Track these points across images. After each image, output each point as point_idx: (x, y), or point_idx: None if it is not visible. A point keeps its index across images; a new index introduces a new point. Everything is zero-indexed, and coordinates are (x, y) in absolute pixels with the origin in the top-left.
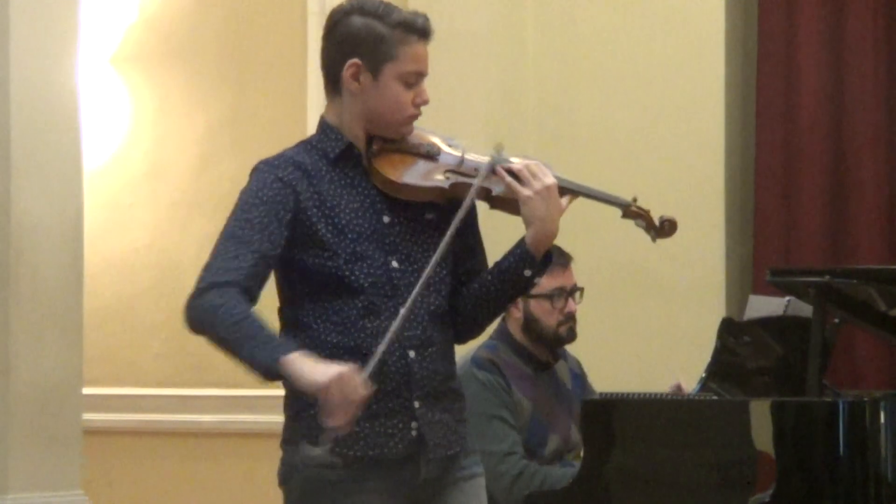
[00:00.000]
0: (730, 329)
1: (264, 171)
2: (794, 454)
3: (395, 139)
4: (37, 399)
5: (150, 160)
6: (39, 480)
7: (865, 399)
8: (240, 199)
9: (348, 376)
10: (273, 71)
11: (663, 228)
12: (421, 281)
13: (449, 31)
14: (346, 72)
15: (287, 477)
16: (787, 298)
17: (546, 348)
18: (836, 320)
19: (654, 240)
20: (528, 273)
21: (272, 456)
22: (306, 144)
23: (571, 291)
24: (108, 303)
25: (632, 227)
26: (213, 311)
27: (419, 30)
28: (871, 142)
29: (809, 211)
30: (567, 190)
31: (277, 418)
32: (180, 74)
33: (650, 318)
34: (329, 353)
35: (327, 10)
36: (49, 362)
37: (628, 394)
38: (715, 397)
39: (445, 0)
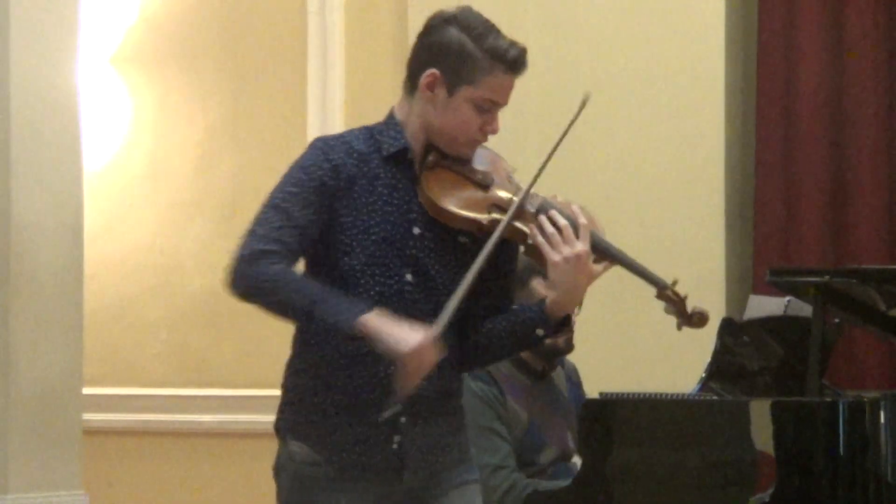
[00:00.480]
0: (730, 329)
1: (319, 150)
2: (794, 454)
3: (452, 157)
4: (37, 399)
5: (151, 160)
6: (39, 480)
7: (865, 399)
8: (290, 169)
9: (427, 344)
10: (273, 71)
11: (692, 319)
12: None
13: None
14: (425, 79)
15: (278, 470)
16: (787, 298)
17: (543, 359)
18: (836, 320)
19: (679, 328)
20: (540, 333)
21: (271, 456)
22: (369, 131)
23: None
24: (108, 303)
25: (632, 227)
26: (274, 277)
27: (509, 62)
28: (871, 142)
29: (809, 211)
30: (605, 255)
31: None
32: (180, 74)
33: (650, 318)
34: (325, 355)
35: (327, 11)
36: (49, 362)
37: (628, 394)
38: (715, 397)
39: (445, 0)
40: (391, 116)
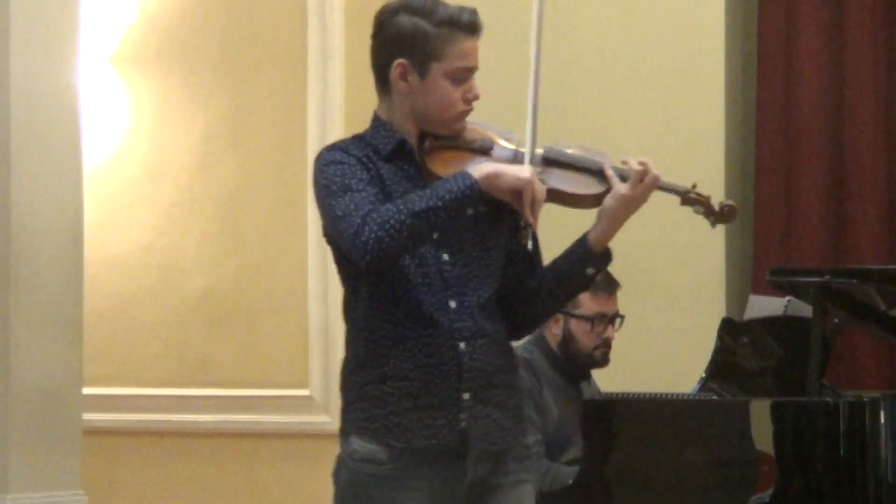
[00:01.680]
0: (730, 329)
1: (335, 150)
2: (794, 454)
3: (447, 135)
4: (37, 399)
5: (150, 160)
6: (39, 480)
7: (865, 399)
8: (323, 172)
9: (535, 173)
10: (273, 71)
11: (723, 213)
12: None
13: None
14: (394, 72)
15: (337, 470)
16: (787, 298)
17: (580, 368)
18: (836, 320)
19: (713, 225)
20: (590, 271)
21: (272, 456)
22: (360, 140)
23: (612, 318)
24: (108, 303)
25: (632, 227)
26: (388, 215)
27: (465, 25)
28: (871, 142)
29: (809, 211)
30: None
31: (277, 418)
32: (180, 74)
33: (650, 318)
34: (383, 344)
35: (327, 11)
36: (49, 362)
37: (628, 394)
38: (715, 397)
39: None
40: (376, 119)
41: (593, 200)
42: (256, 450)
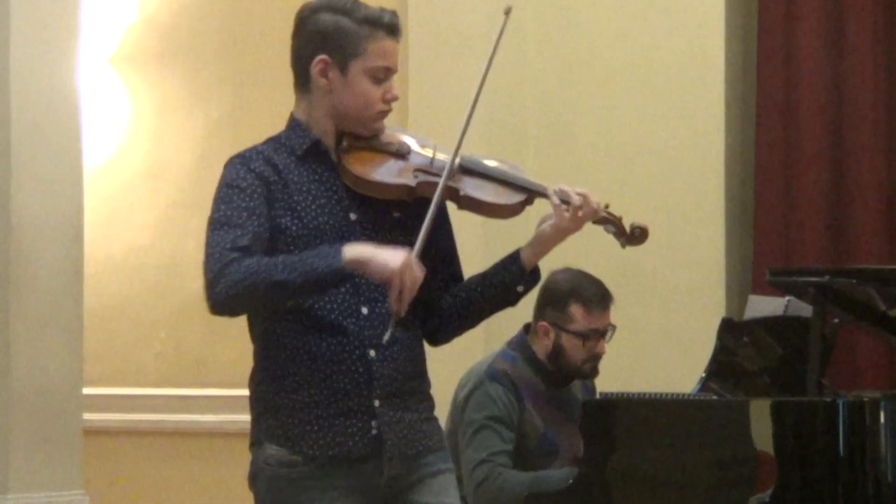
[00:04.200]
0: (730, 329)
1: (237, 164)
2: (794, 454)
3: (366, 136)
4: (37, 399)
5: (150, 160)
6: (39, 480)
7: (865, 399)
8: (218, 192)
9: (411, 260)
10: (273, 71)
11: (633, 235)
12: (452, 156)
13: (448, 32)
14: (315, 68)
15: (254, 478)
16: (787, 298)
17: (563, 377)
18: (836, 320)
19: (623, 246)
20: (520, 289)
21: None
22: (275, 141)
23: (604, 332)
24: (108, 302)
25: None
26: (248, 271)
27: (386, 25)
28: (871, 142)
29: (809, 211)
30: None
31: None
32: (180, 74)
33: (650, 318)
34: (289, 355)
35: None
36: (49, 362)
37: (628, 394)
38: (715, 397)
39: (444, 1)
40: (292, 120)
41: (509, 211)
42: None
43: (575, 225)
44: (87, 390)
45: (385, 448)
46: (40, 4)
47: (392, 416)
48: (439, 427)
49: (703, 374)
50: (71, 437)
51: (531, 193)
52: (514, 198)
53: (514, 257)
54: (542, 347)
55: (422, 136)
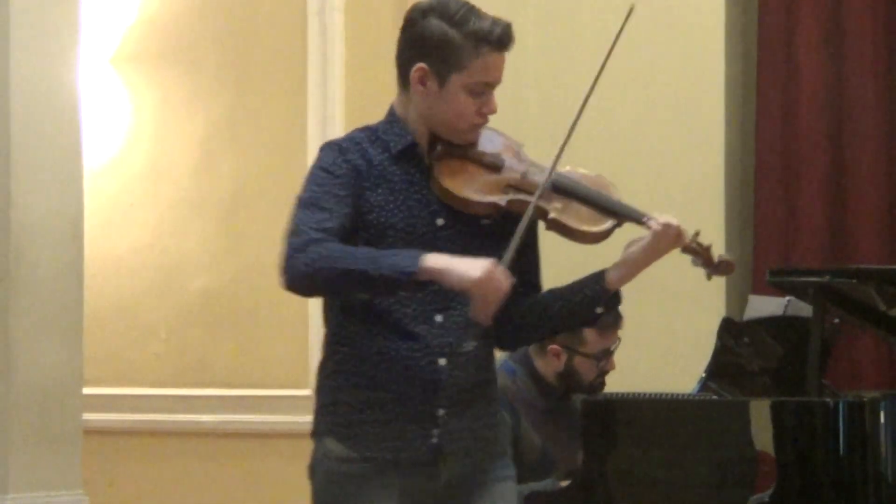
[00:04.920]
0: (730, 329)
1: (333, 150)
2: (794, 454)
3: (460, 144)
4: (37, 399)
5: (151, 160)
6: (39, 480)
7: (865, 399)
8: (311, 173)
9: (496, 270)
10: (273, 71)
11: (719, 267)
12: (546, 176)
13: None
14: (413, 74)
15: (312, 470)
16: (787, 298)
17: (570, 389)
18: (836, 320)
19: (708, 278)
20: (599, 310)
21: (272, 456)
22: (372, 132)
23: (614, 350)
24: (109, 303)
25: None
26: (328, 253)
27: (494, 40)
28: (871, 142)
29: (809, 211)
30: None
31: (277, 418)
32: (180, 74)
33: (650, 318)
34: (359, 353)
35: (327, 10)
36: (49, 362)
37: (628, 394)
38: (715, 397)
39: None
40: (392, 113)
41: (596, 237)
42: (256, 450)
43: (664, 249)
44: (87, 390)
45: (444, 457)
46: (40, 4)
47: (455, 425)
48: (505, 431)
49: (703, 374)
50: (71, 437)
51: (622, 218)
52: (604, 224)
53: (597, 278)
54: (550, 368)
55: (518, 142)
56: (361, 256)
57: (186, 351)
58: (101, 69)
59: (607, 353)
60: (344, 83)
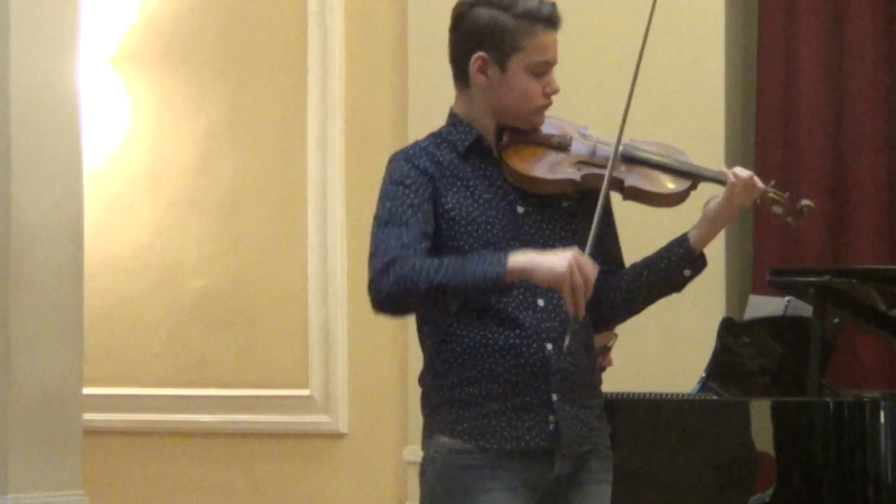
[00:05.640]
0: (730, 329)
1: (401, 161)
2: (794, 454)
3: (525, 130)
4: (37, 399)
5: (150, 160)
6: (39, 480)
7: (865, 399)
8: (383, 189)
9: (580, 258)
10: (273, 71)
11: (802, 211)
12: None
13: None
14: (473, 66)
15: (423, 470)
16: (787, 298)
17: None
18: (836, 320)
19: (793, 225)
20: (687, 273)
21: (272, 456)
22: (436, 137)
23: (610, 347)
24: (108, 303)
25: (632, 226)
26: (411, 271)
27: (544, 18)
28: (871, 142)
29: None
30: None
31: (277, 418)
32: (180, 74)
33: (650, 318)
34: (465, 348)
35: (327, 11)
36: (49, 362)
37: (628, 394)
38: (715, 397)
39: (444, 1)
40: (453, 116)
41: (675, 199)
42: (256, 450)
43: (742, 200)
44: (87, 390)
45: (561, 443)
46: (40, 4)
47: (569, 411)
48: (607, 425)
49: (703, 374)
50: (71, 437)
51: (697, 178)
52: (680, 185)
53: (681, 240)
54: None
55: (580, 126)
56: (446, 268)
57: (186, 351)
58: (101, 69)
59: (604, 350)
60: (344, 83)
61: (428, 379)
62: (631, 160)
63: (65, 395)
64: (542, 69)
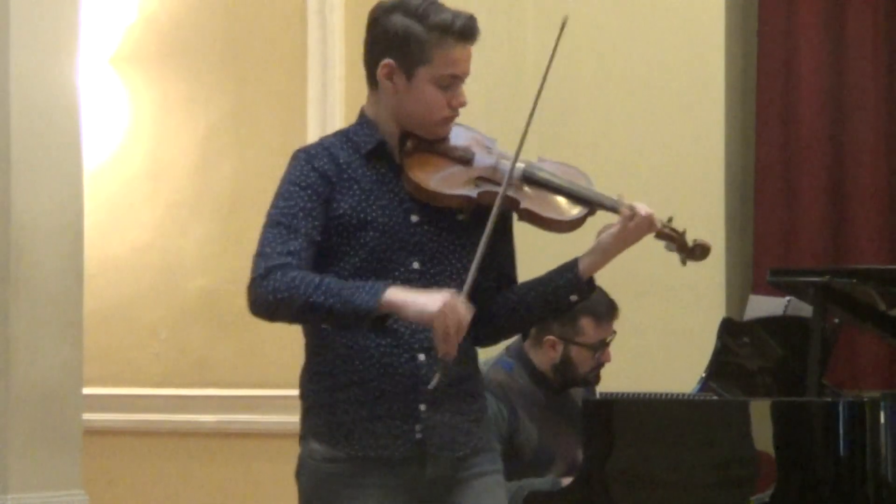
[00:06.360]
0: (730, 329)
1: (301, 160)
2: (794, 454)
3: (429, 139)
4: (37, 399)
5: (150, 160)
6: (39, 480)
7: (865, 399)
8: (280, 187)
9: (455, 302)
10: (273, 71)
11: (694, 252)
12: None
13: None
14: (381, 71)
15: (299, 471)
16: (787, 298)
17: (567, 382)
18: (836, 320)
19: (683, 263)
20: (573, 298)
21: (272, 456)
22: (343, 135)
23: (610, 341)
24: (108, 303)
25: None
26: (290, 284)
27: (457, 33)
28: (871, 142)
29: (809, 211)
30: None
31: (277, 418)
32: (180, 74)
33: (650, 318)
34: (338, 353)
35: (327, 10)
36: (49, 362)
37: (628, 394)
38: (715, 397)
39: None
40: (362, 116)
41: (569, 226)
42: (256, 450)
43: (636, 236)
44: (87, 390)
45: (427, 452)
46: (40, 4)
47: (438, 420)
48: (489, 426)
49: (703, 374)
50: (71, 437)
51: (594, 206)
52: (576, 212)
53: (570, 266)
54: (546, 359)
55: (488, 137)
56: (324, 289)
57: (186, 351)
58: (101, 69)
59: (604, 345)
60: (344, 83)
61: (304, 379)
62: (531, 181)
63: (64, 394)
64: (450, 82)
